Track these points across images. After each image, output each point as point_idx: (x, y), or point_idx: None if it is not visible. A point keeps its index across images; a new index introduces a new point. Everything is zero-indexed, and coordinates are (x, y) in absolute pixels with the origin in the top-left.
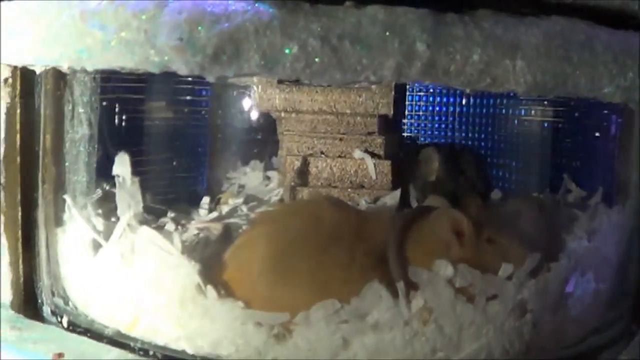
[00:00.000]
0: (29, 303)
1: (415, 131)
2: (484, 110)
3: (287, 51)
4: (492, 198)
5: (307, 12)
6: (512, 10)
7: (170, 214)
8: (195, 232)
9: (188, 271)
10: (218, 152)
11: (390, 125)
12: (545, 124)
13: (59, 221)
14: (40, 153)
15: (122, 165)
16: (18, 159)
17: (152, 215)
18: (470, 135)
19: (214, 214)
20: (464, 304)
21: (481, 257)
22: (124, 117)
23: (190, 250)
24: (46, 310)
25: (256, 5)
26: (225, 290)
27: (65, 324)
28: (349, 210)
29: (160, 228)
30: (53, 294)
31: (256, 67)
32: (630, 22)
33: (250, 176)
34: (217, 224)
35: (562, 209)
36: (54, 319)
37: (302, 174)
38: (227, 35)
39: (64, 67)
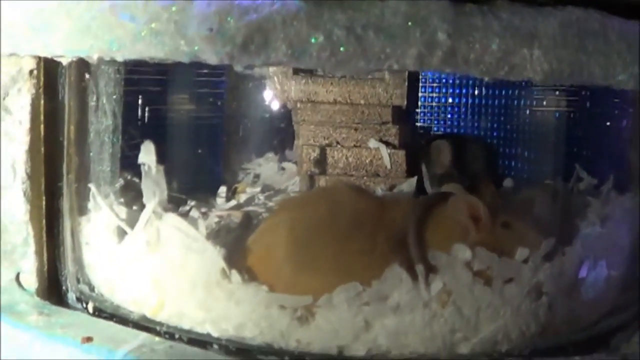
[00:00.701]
0: (53, 290)
1: (429, 121)
2: (497, 101)
3: (313, 41)
4: (504, 186)
5: (331, 4)
6: (528, 1)
7: (191, 202)
8: (217, 219)
9: (213, 256)
10: (235, 142)
11: (404, 115)
12: (557, 114)
13: (83, 210)
14: (65, 143)
15: (147, 154)
16: (42, 150)
17: (172, 204)
18: (483, 125)
19: (233, 202)
20: (481, 287)
21: (497, 241)
22: (145, 108)
23: (215, 236)
24: (71, 297)
25: None
26: (249, 274)
27: (90, 310)
28: (370, 196)
29: (184, 215)
30: (78, 281)
31: (283, 56)
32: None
33: (265, 167)
34: (237, 212)
35: (575, 195)
36: (79, 305)
37: (319, 163)
38: (255, 25)
39: (94, 58)
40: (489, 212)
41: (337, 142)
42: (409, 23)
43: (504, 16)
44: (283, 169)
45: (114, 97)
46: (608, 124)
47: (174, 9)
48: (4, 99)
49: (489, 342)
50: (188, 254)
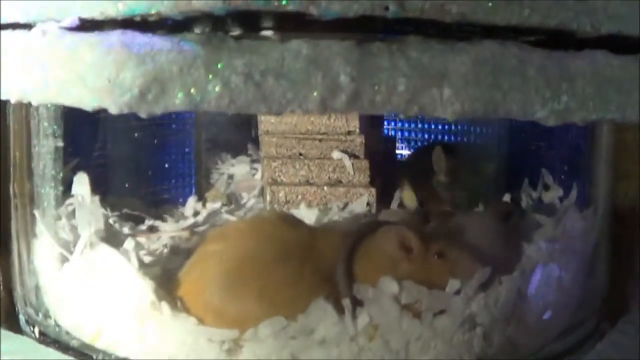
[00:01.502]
0: (8, 313)
1: (399, 129)
2: None
3: (210, 88)
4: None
5: (230, 49)
6: (444, 36)
7: (148, 222)
8: (166, 241)
9: (143, 288)
10: (203, 150)
11: (371, 122)
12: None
13: (30, 234)
14: (11, 168)
15: (80, 185)
16: None
17: (130, 223)
18: (455, 129)
19: (190, 221)
20: (410, 320)
21: (431, 271)
22: (97, 122)
23: (148, 266)
24: (22, 319)
25: (180, 44)
26: (180, 306)
27: (36, 334)
28: (301, 228)
29: (118, 245)
30: (26, 304)
31: (182, 105)
32: (569, 42)
33: (238, 167)
34: (186, 233)
35: (526, 215)
36: (28, 329)
37: (280, 173)
38: (151, 75)
39: (13, 100)
40: (420, 242)
41: (300, 154)
42: (310, 67)
43: (413, 55)
44: (255, 169)
45: (55, 117)
46: (568, 136)
47: (76, 57)
48: None
49: None
50: (120, 286)
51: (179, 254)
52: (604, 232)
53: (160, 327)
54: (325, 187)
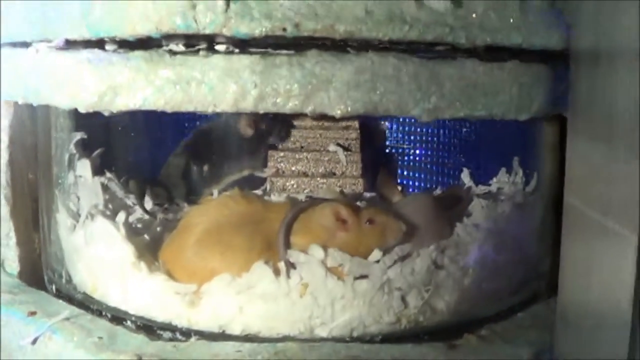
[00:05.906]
0: (35, 274)
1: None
2: None
3: (149, 92)
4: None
5: (166, 63)
6: (337, 49)
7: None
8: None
9: (127, 251)
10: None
11: (368, 119)
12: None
13: (51, 209)
14: (38, 155)
15: (83, 169)
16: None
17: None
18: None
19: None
20: (334, 281)
21: (365, 237)
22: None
23: (135, 234)
24: (46, 279)
25: (129, 59)
26: (164, 268)
27: (54, 291)
28: (257, 202)
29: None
30: (47, 267)
31: (129, 106)
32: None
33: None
34: None
35: (469, 199)
36: (50, 287)
37: (281, 164)
38: (106, 84)
39: (20, 102)
40: (353, 214)
41: (302, 147)
42: (225, 76)
43: (308, 65)
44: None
45: (69, 116)
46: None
47: (56, 69)
48: None
49: (345, 328)
50: (110, 249)
51: (167, 225)
52: (546, 218)
53: (139, 282)
54: (319, 178)
